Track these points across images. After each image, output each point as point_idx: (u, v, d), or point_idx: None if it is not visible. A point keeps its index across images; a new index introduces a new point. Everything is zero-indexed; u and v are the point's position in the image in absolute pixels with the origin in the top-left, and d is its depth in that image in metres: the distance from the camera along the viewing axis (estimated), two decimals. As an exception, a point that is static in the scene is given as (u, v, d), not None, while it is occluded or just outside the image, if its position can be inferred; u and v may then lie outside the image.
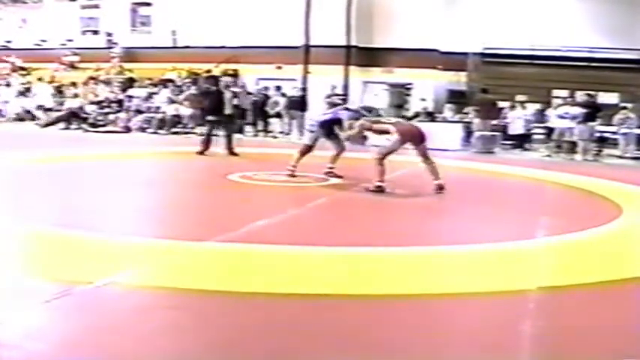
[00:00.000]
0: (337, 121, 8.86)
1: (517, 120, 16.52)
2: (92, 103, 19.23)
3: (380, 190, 7.60)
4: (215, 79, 12.48)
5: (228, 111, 12.00)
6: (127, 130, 17.61)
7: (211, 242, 4.88)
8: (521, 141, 16.61)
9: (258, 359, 2.92)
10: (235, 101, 11.94)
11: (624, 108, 15.99)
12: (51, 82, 22.55)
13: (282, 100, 18.01)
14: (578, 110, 15.38)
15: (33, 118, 20.48)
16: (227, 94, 12.19)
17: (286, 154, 13.24)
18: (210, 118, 11.81)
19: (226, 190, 8.10)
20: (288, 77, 20.20)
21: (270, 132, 18.16)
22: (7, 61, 24.64)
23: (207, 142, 11.73)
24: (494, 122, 16.66)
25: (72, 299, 3.49)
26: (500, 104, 17.65)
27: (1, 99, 21.57)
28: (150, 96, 19.30)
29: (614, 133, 15.82)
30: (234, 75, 21.66)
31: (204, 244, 4.82)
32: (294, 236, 5.44)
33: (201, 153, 11.52)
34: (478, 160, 13.58)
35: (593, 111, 15.37)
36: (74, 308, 3.42)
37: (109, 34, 25.00)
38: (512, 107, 16.91)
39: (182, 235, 5.11)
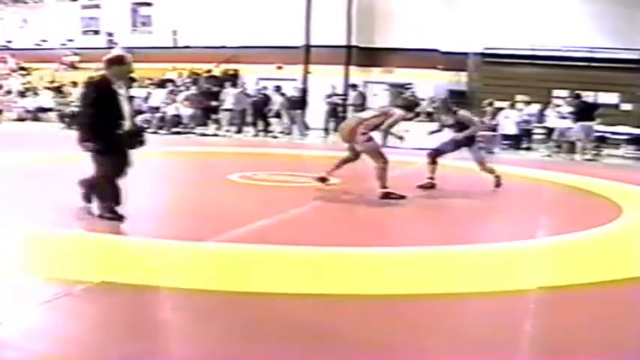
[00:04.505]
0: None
1: (505, 120, 16.51)
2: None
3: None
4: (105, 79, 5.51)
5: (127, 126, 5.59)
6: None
7: (211, 242, 4.88)
8: (516, 141, 16.64)
9: (258, 359, 2.92)
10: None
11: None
12: (51, 82, 22.57)
13: (279, 100, 18.04)
14: (567, 110, 15.38)
15: (34, 118, 20.52)
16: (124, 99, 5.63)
17: (286, 154, 13.32)
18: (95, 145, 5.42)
19: (226, 190, 8.09)
20: (288, 77, 20.21)
21: (271, 132, 18.17)
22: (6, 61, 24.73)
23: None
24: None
25: (72, 299, 3.49)
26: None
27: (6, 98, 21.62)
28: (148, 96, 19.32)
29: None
30: (235, 75, 21.71)
31: (204, 244, 4.83)
32: (294, 236, 5.44)
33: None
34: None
35: (586, 111, 15.22)
36: (74, 308, 3.42)
37: (110, 34, 25.02)
38: (501, 108, 16.92)
39: (182, 235, 5.11)
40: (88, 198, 5.65)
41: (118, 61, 5.48)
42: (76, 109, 17.95)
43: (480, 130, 8.78)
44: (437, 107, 9.04)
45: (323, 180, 7.78)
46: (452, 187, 8.76)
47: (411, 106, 8.25)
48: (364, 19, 21.42)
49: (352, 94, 18.79)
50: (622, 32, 18.07)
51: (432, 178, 8.41)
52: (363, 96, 19.06)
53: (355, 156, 7.76)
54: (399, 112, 7.57)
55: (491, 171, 8.69)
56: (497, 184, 8.59)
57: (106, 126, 5.35)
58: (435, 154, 8.51)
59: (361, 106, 17.16)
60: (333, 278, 4.25)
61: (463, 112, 8.72)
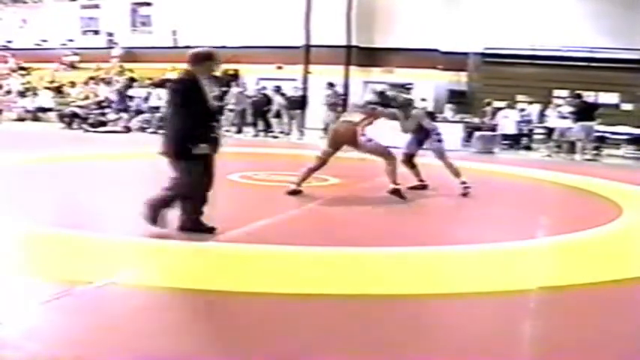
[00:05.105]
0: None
1: (505, 120, 16.52)
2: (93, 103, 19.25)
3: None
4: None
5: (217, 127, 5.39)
6: (127, 130, 17.62)
7: (211, 242, 4.88)
8: (516, 141, 16.68)
9: (257, 359, 2.92)
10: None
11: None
12: (51, 82, 22.57)
13: (279, 100, 18.01)
14: (567, 110, 15.39)
15: (34, 118, 20.53)
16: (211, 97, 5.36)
17: (286, 154, 13.31)
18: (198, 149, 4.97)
19: (226, 190, 8.07)
20: (288, 77, 20.21)
21: (271, 132, 18.16)
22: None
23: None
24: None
25: (72, 299, 3.49)
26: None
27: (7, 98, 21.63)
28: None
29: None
30: (235, 75, 21.70)
31: (205, 244, 4.82)
32: (293, 236, 5.44)
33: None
34: (478, 160, 13.56)
35: (587, 110, 15.20)
36: (74, 308, 3.42)
37: (110, 34, 25.03)
38: (500, 108, 16.94)
39: (182, 235, 5.10)
40: (154, 219, 5.03)
41: (209, 57, 5.13)
42: (77, 109, 18.34)
43: (422, 119, 8.58)
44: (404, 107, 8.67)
45: (296, 192, 7.42)
46: (451, 188, 8.76)
47: (383, 103, 8.25)
48: (364, 19, 21.42)
49: (327, 93, 18.35)
50: (622, 32, 18.08)
51: (421, 180, 8.41)
52: (337, 95, 18.87)
53: (322, 163, 7.63)
54: (380, 108, 7.64)
55: (456, 173, 8.16)
56: (464, 192, 7.94)
57: (199, 128, 4.93)
58: (407, 158, 8.47)
59: (335, 105, 17.11)
60: (333, 278, 4.25)
61: (417, 111, 8.57)
